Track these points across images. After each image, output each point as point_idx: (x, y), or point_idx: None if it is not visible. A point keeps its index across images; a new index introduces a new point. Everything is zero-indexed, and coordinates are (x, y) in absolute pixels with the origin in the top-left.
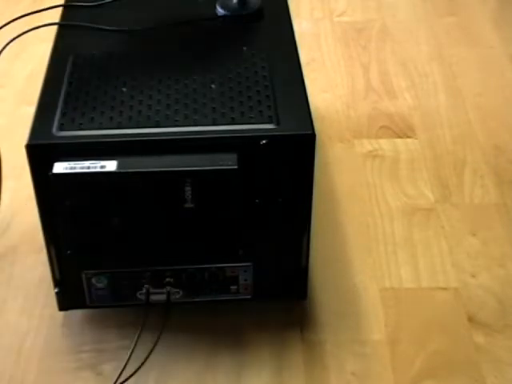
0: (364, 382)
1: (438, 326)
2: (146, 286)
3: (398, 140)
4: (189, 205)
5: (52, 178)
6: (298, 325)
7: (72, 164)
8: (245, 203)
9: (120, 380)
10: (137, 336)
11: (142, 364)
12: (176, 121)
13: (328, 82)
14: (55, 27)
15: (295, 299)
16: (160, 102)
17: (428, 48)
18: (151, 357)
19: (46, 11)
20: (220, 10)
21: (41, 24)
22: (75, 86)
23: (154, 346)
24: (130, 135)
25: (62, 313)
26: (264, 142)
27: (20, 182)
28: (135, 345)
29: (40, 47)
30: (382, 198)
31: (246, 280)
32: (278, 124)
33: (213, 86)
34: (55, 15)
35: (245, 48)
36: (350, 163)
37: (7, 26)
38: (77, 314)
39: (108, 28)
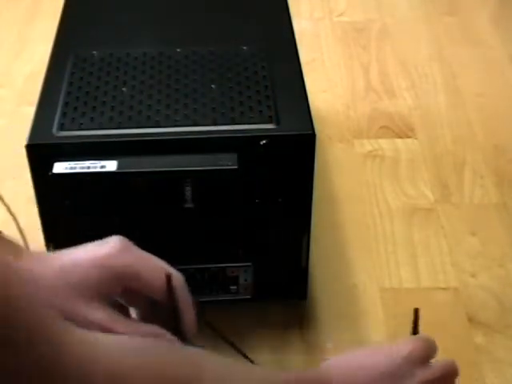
0: None
1: (437, 326)
2: None
3: (398, 140)
4: (189, 205)
5: (52, 178)
6: (298, 325)
7: (72, 164)
8: (245, 203)
9: None
10: None
11: None
12: (176, 121)
13: (328, 81)
14: (56, 26)
15: (295, 299)
16: (160, 101)
17: (428, 48)
18: None
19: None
20: None
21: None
22: (75, 85)
23: None
24: (130, 135)
25: None
26: (264, 141)
27: (20, 182)
28: None
29: (40, 47)
30: (382, 197)
31: (246, 280)
32: (278, 124)
33: (213, 86)
34: (56, 15)
35: (245, 48)
36: (350, 163)
37: (7, 27)
38: None
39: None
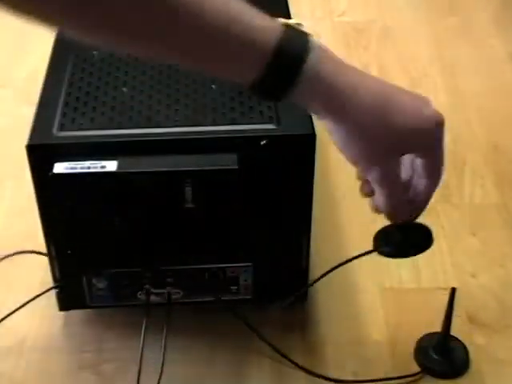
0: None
1: (438, 326)
2: (146, 286)
3: None
4: (189, 205)
5: (52, 178)
6: (299, 325)
7: (72, 164)
8: (245, 203)
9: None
10: (142, 337)
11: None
12: (176, 121)
13: None
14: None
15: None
16: (160, 102)
17: (428, 48)
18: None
19: None
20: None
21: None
22: (76, 86)
23: (164, 349)
24: (130, 135)
25: (62, 313)
26: (264, 142)
27: (20, 182)
28: (142, 347)
29: (40, 47)
30: None
31: (246, 280)
32: (278, 124)
33: (213, 86)
34: None
35: None
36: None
37: (7, 26)
38: (77, 314)
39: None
